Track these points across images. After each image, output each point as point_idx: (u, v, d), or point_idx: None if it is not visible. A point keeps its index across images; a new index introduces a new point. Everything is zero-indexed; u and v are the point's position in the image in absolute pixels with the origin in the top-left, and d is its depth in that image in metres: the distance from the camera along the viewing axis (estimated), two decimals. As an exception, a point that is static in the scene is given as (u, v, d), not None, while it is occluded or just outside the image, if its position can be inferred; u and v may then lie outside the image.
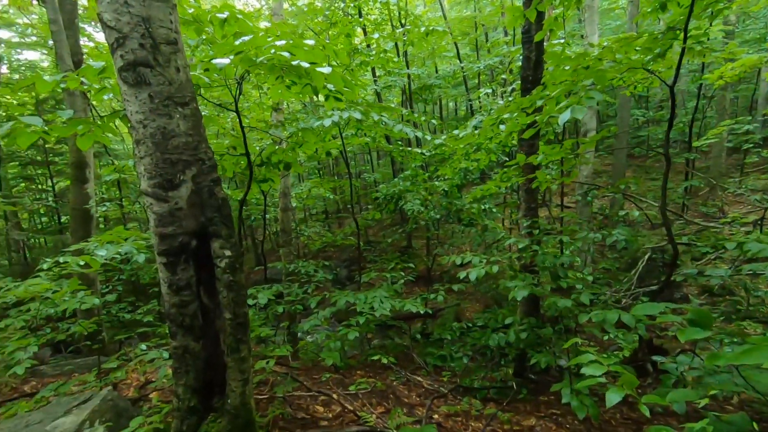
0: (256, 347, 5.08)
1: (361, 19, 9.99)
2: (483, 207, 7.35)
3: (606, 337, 6.33)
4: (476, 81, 17.27)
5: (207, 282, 2.13)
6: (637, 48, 4.04)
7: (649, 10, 4.44)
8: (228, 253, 2.05)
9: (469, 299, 10.33)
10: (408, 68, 12.16)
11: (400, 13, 12.71)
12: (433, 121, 6.16)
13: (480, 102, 11.28)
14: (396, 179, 8.19)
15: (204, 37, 3.94)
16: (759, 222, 9.01)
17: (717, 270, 3.91)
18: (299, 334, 6.46)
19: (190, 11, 3.46)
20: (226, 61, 2.29)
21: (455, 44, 15.32)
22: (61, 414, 2.52)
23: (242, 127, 3.33)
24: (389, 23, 13.22)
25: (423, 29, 5.62)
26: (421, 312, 4.87)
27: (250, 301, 5.35)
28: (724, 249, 5.56)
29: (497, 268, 4.24)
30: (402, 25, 12.38)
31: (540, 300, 4.71)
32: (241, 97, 3.79)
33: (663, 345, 5.10)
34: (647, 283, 8.01)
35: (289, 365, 4.37)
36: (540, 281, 4.47)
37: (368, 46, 8.89)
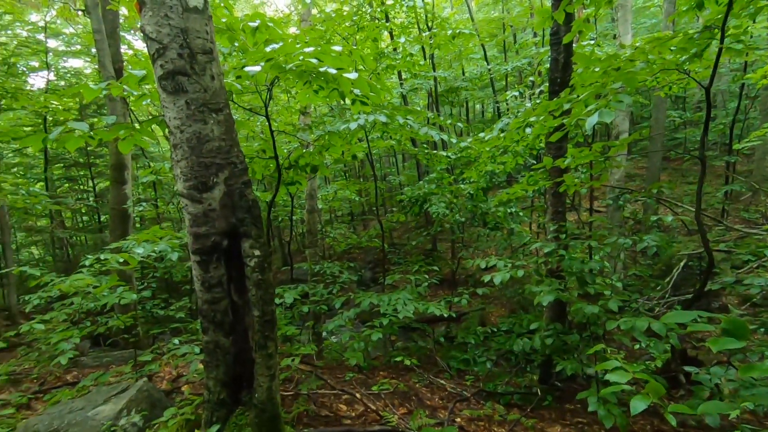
0: (282, 345, 5.20)
1: (387, 24, 10.06)
2: (509, 210, 7.25)
3: (637, 347, 6.13)
4: (504, 83, 17.07)
5: (237, 280, 2.22)
6: (672, 48, 3.92)
7: (685, 8, 4.30)
8: (257, 252, 2.13)
9: (495, 304, 10.20)
10: (434, 71, 12.14)
11: (426, 16, 12.73)
12: (459, 124, 6.15)
13: (507, 104, 11.15)
14: (421, 182, 8.20)
15: (237, 44, 4.09)
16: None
17: (757, 279, 3.73)
18: (324, 333, 6.56)
19: (223, 20, 3.60)
20: (257, 68, 2.39)
21: (482, 46, 15.19)
22: (101, 402, 2.68)
23: (272, 132, 3.44)
24: (416, 26, 13.25)
25: (449, 32, 5.61)
26: (445, 315, 4.86)
27: (276, 300, 5.48)
28: (766, 257, 5.28)
29: (522, 272, 4.19)
30: (429, 28, 12.39)
31: (567, 306, 4.62)
32: (270, 101, 3.91)
33: (698, 356, 4.90)
34: (683, 291, 7.69)
35: (314, 364, 4.46)
36: (567, 287, 4.38)
37: (395, 49, 8.96)
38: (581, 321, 3.93)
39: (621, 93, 2.68)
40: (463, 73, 16.49)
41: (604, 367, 1.76)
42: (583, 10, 6.21)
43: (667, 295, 7.63)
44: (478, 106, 22.42)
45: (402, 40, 6.98)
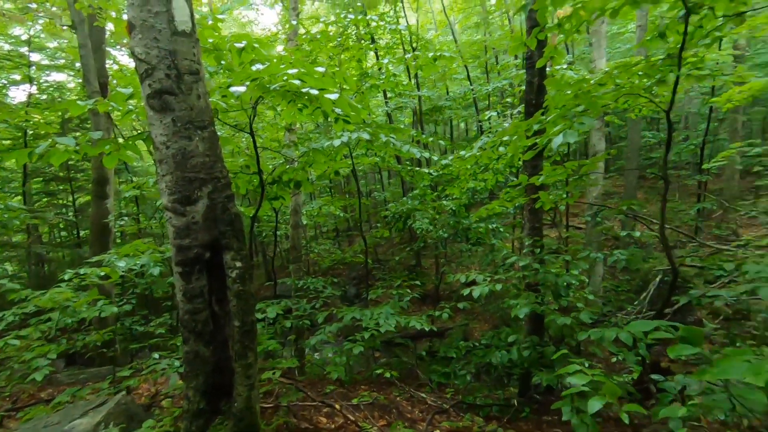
0: (264, 361, 5.19)
1: (372, 45, 10.36)
2: (490, 226, 7.44)
3: (614, 360, 6.27)
4: (486, 102, 17.55)
5: (218, 291, 2.28)
6: (639, 73, 4.18)
7: (649, 38, 4.60)
8: (239, 264, 2.21)
9: (478, 319, 10.31)
10: (419, 90, 12.47)
11: (411, 38, 13.12)
12: (441, 141, 6.34)
13: (489, 123, 11.49)
14: (404, 198, 8.36)
15: (223, 62, 4.21)
16: (772, 245, 8.88)
17: (719, 291, 3.92)
18: (307, 349, 6.55)
19: (210, 41, 3.72)
20: (242, 89, 2.49)
21: (465, 67, 15.66)
22: (77, 416, 2.66)
23: (256, 148, 3.54)
24: (401, 47, 13.62)
25: (431, 55, 5.86)
26: (426, 329, 4.93)
27: (258, 316, 5.49)
28: (736, 272, 5.50)
29: (501, 286, 4.32)
30: (413, 49, 12.75)
31: (544, 319, 4.75)
32: (255, 118, 4.02)
33: (670, 368, 5.05)
34: (659, 305, 7.90)
35: (295, 378, 4.47)
36: (544, 300, 4.52)
37: (379, 69, 9.21)
38: (556, 333, 4.06)
39: (584, 115, 2.87)
40: (447, 93, 16.91)
41: (566, 370, 1.87)
42: (557, 37, 6.54)
43: (644, 310, 7.84)
44: (462, 125, 22.90)
45: (386, 61, 7.21)
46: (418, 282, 6.57)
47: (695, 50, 4.80)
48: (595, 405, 1.60)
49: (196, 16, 2.41)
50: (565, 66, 6.50)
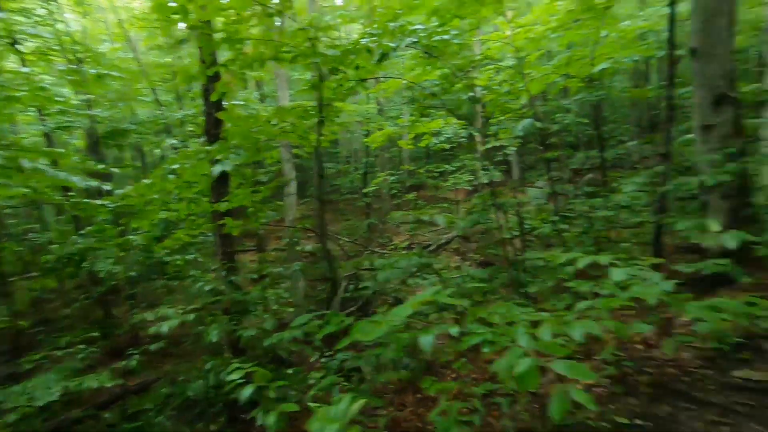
0: None
1: (14, 47, 8.16)
2: (188, 257, 7.13)
3: (313, 359, 7.18)
4: (183, 129, 16.65)
5: None
6: (302, 115, 5.07)
7: (305, 88, 5.66)
8: None
9: (191, 358, 9.57)
10: (90, 109, 10.61)
11: (77, 47, 11.05)
12: (114, 169, 5.64)
13: (187, 149, 10.96)
14: (74, 237, 6.90)
15: None
16: (410, 245, 12.40)
17: (366, 284, 5.23)
18: None
19: None
20: None
21: (153, 90, 14.47)
22: None
23: None
24: (63, 56, 11.25)
25: (95, 71, 5.15)
26: (108, 385, 4.24)
27: None
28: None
29: (192, 316, 4.26)
30: (79, 61, 10.79)
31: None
32: None
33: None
34: (350, 305, 9.56)
35: None
36: (241, 320, 4.73)
37: (26, 78, 7.35)
38: (248, 345, 4.33)
39: (241, 148, 3.29)
40: (134, 115, 15.09)
41: (227, 371, 2.10)
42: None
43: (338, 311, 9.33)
44: (157, 151, 20.82)
45: (28, 70, 5.83)
46: (96, 333, 5.53)
47: (351, 101, 6.25)
48: (246, 392, 1.87)
49: None
50: (242, 103, 7.09)
